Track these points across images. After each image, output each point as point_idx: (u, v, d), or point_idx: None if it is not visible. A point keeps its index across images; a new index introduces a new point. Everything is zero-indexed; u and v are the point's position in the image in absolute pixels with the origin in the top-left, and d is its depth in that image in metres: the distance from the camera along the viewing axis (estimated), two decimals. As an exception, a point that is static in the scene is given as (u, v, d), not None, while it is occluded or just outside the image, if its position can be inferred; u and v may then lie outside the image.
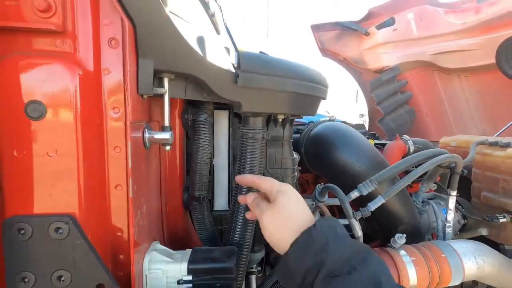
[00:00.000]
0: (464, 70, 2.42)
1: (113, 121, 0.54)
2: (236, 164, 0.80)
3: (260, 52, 0.80)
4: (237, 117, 0.88)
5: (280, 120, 0.82)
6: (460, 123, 2.57)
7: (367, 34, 3.47)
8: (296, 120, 1.10)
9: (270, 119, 0.81)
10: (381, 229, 1.38)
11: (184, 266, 0.62)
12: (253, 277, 0.92)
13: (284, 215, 0.56)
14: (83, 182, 0.52)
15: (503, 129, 1.96)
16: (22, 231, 0.50)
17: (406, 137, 1.69)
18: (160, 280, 0.61)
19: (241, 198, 0.65)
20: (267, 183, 0.61)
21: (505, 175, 1.32)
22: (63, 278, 0.51)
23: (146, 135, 0.60)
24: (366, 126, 3.11)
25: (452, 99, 2.62)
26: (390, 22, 3.36)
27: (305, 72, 0.77)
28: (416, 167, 1.13)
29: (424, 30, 3.04)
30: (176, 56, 0.57)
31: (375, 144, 1.75)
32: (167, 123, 0.62)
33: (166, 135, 0.60)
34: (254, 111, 0.72)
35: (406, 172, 1.14)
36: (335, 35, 3.60)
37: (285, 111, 0.78)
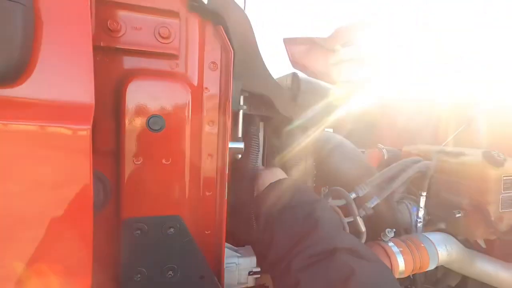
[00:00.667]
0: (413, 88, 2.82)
1: (208, 132, 0.62)
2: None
3: (294, 73, 0.93)
4: (269, 127, 0.98)
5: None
6: (407, 132, 2.98)
7: (333, 50, 3.81)
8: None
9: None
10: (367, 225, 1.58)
11: (253, 260, 0.72)
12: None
13: None
14: (188, 186, 0.59)
15: (447, 139, 2.33)
16: (138, 231, 0.55)
17: (380, 145, 1.94)
18: (233, 272, 0.70)
19: None
20: None
21: (458, 178, 1.62)
22: (171, 272, 0.57)
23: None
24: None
25: (402, 112, 3.02)
26: (354, 41, 3.75)
27: (334, 93, 0.92)
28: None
29: (382, 52, 3.45)
30: (257, 78, 0.67)
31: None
32: (240, 134, 0.71)
33: (241, 145, 0.69)
34: (301, 125, 0.84)
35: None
36: (305, 49, 3.87)
37: (319, 126, 0.92)
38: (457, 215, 1.55)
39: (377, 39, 3.31)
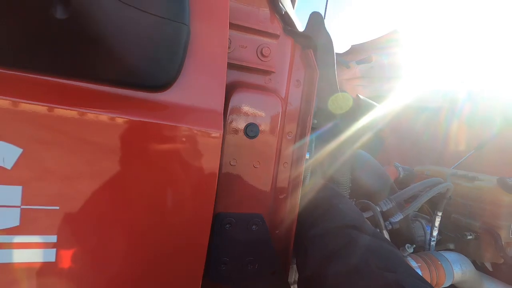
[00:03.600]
0: (424, 108, 2.91)
1: (287, 142, 0.69)
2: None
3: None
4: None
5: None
6: (416, 152, 3.06)
7: (347, 67, 3.92)
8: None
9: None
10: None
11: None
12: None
13: None
14: (269, 189, 0.66)
15: (459, 161, 2.41)
16: (228, 225, 0.61)
17: (397, 164, 2.02)
18: (290, 271, 0.76)
19: None
20: None
21: (472, 201, 1.70)
22: (250, 265, 0.63)
23: (294, 154, 0.75)
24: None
25: (411, 132, 3.10)
26: (368, 60, 3.86)
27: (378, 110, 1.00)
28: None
29: (394, 72, 3.57)
30: (329, 95, 0.74)
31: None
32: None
33: (308, 155, 0.76)
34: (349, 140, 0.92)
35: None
36: (321, 63, 3.95)
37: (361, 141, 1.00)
38: (469, 237, 1.61)
39: (393, 58, 3.42)
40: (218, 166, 0.48)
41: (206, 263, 0.61)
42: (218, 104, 0.49)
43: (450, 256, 1.43)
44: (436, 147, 3.07)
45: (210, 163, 0.48)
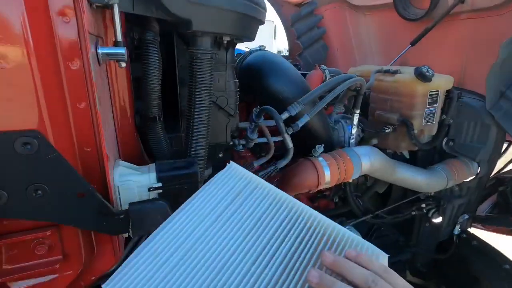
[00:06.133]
0: (369, 7, 2.67)
1: (64, 30, 0.51)
2: (186, 88, 0.83)
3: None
4: (181, 39, 0.87)
5: (225, 42, 0.85)
6: (362, 56, 2.94)
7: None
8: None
9: (215, 41, 0.83)
10: (304, 145, 1.63)
11: (153, 176, 0.69)
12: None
13: None
14: (44, 97, 0.50)
15: (394, 60, 2.35)
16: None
17: (323, 66, 1.91)
18: (132, 190, 0.67)
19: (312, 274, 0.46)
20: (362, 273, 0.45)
21: (391, 96, 1.67)
22: (39, 191, 0.52)
23: (99, 50, 0.57)
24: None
25: (357, 35, 2.92)
26: None
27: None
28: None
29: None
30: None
31: (297, 74, 1.93)
32: (119, 37, 0.59)
33: (121, 50, 0.59)
34: (203, 31, 0.73)
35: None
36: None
37: (231, 32, 0.81)
38: (387, 131, 1.63)
39: None
40: None
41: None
42: None
43: (361, 150, 1.45)
44: (380, 48, 2.95)
45: None
